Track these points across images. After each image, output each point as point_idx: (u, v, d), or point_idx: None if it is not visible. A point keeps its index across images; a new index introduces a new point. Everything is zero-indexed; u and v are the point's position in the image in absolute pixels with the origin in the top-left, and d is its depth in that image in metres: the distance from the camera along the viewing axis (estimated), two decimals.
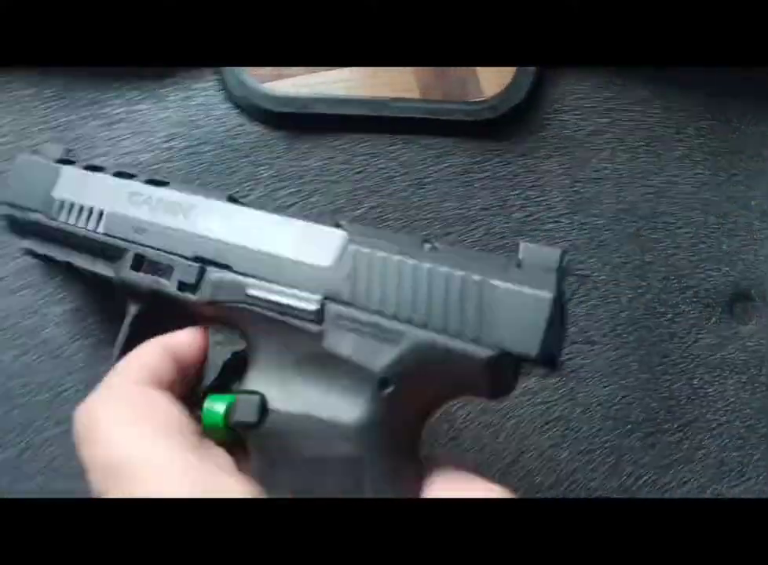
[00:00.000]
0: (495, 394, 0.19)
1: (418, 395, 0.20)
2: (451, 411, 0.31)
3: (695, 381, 0.32)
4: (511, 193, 0.32)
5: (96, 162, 0.31)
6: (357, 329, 0.20)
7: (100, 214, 0.25)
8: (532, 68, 0.32)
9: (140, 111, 0.33)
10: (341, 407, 0.20)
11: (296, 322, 0.20)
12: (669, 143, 0.33)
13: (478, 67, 0.37)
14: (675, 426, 0.31)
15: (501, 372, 0.19)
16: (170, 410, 0.20)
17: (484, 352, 0.19)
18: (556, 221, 0.32)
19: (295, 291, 0.21)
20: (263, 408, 0.20)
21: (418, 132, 0.32)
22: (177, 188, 0.24)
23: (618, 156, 0.33)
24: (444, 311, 0.19)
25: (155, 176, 0.25)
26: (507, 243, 0.32)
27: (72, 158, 0.28)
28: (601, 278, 0.32)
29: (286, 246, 0.21)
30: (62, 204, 0.26)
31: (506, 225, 0.32)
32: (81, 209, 0.26)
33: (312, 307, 0.20)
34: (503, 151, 0.32)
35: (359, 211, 0.32)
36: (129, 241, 0.24)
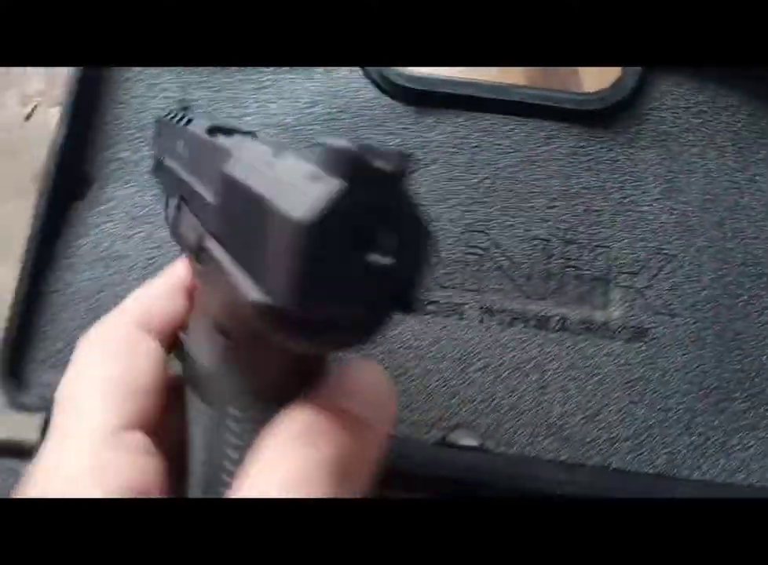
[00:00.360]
0: (312, 345, 0.14)
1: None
2: (544, 363, 0.35)
3: (764, 358, 0.35)
4: (611, 176, 0.36)
5: (246, 121, 0.36)
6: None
7: None
8: (637, 68, 0.36)
9: (288, 79, 0.37)
10: None
11: None
12: (753, 146, 0.37)
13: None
14: (744, 396, 0.35)
15: (291, 322, 0.13)
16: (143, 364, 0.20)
17: (251, 296, 0.14)
18: (649, 205, 0.36)
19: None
20: None
21: (532, 115, 0.36)
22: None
23: (707, 153, 0.37)
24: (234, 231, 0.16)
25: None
26: (605, 220, 0.36)
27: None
28: (686, 258, 0.36)
29: None
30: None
31: (603, 204, 0.36)
32: None
33: None
34: (606, 138, 0.36)
35: (472, 181, 0.36)
36: None
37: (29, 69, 1.06)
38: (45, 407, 0.34)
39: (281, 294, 0.13)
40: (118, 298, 0.34)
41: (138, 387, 0.19)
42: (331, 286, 0.13)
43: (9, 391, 0.34)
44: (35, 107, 1.10)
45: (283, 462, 0.15)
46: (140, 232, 0.36)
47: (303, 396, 0.16)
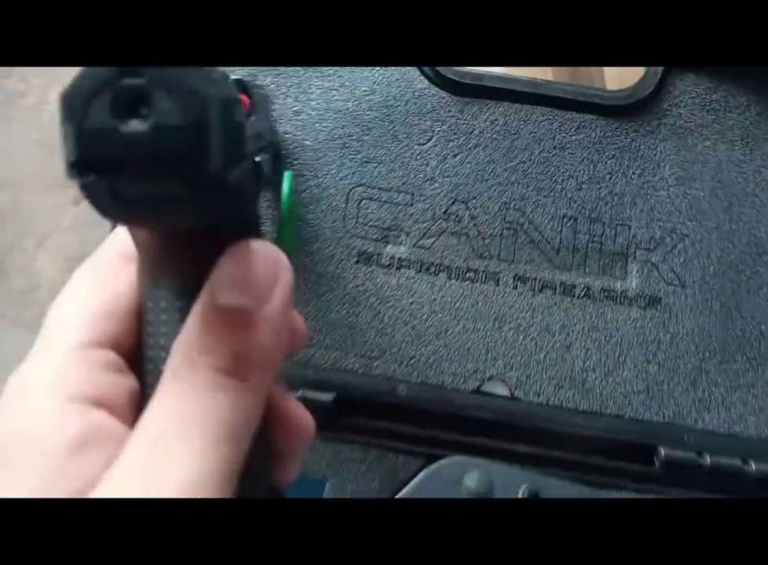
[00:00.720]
0: (130, 219, 0.16)
1: None
2: (569, 325, 0.39)
3: (762, 327, 0.40)
4: (633, 163, 0.41)
5: (310, 105, 0.41)
6: None
7: None
8: (659, 70, 0.41)
9: (348, 69, 0.42)
10: None
11: None
12: (759, 141, 0.42)
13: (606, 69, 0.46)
14: (744, 358, 0.39)
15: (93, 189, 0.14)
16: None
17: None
18: (665, 190, 0.41)
19: None
20: None
21: (565, 107, 0.41)
22: None
23: (718, 146, 0.42)
24: None
25: None
26: (626, 202, 0.41)
27: None
28: (696, 238, 0.40)
29: None
30: None
31: (626, 188, 0.41)
32: None
33: None
34: (630, 130, 0.41)
35: (510, 164, 0.41)
36: None
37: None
38: None
39: (66, 165, 0.14)
40: None
41: (115, 309, 0.19)
42: (103, 156, 0.13)
43: None
44: None
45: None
46: None
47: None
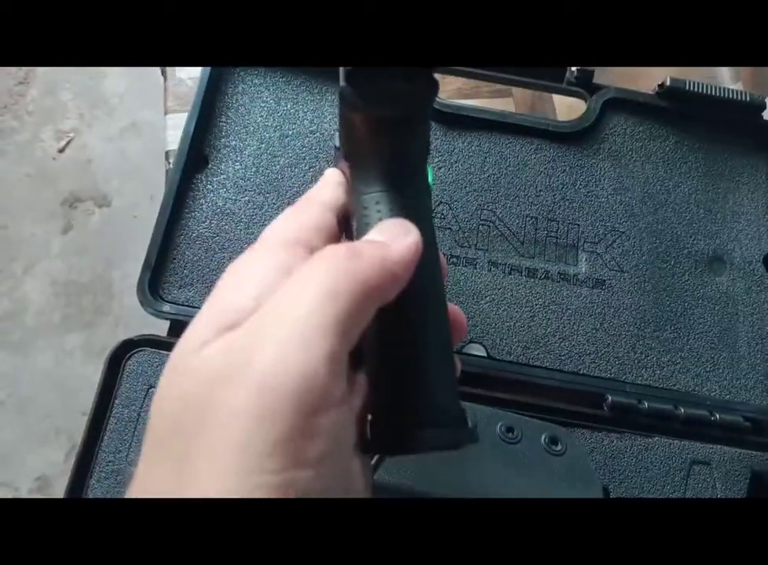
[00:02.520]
0: (372, 108, 0.24)
1: None
2: (532, 300, 0.49)
3: (685, 304, 0.50)
4: (579, 177, 0.52)
5: (323, 126, 0.51)
6: None
7: None
8: (598, 105, 0.53)
9: None
10: None
11: None
12: (677, 163, 0.53)
13: (555, 100, 0.58)
14: (672, 328, 0.49)
15: None
16: None
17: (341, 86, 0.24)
18: (605, 198, 0.51)
19: None
20: None
21: (526, 134, 0.52)
22: None
23: (646, 166, 0.53)
24: None
25: None
26: (575, 206, 0.51)
27: None
28: (631, 234, 0.51)
29: None
30: None
31: (574, 195, 0.51)
32: None
33: None
34: (576, 151, 0.52)
35: (484, 176, 0.51)
36: None
37: (67, 107, 1.19)
38: (172, 314, 0.46)
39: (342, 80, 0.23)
40: (227, 242, 0.47)
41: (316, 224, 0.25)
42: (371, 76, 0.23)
43: (149, 303, 0.46)
44: (69, 141, 1.24)
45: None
46: (244, 197, 0.49)
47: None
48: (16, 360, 1.03)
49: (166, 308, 0.46)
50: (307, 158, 0.50)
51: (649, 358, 0.49)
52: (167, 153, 0.56)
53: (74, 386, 0.97)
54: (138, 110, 1.24)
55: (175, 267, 0.48)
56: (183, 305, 0.47)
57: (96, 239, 1.12)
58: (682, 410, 0.46)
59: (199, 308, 0.46)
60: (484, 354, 0.47)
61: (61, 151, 1.22)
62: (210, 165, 0.50)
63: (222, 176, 0.50)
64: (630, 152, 0.53)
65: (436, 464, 0.41)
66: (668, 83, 0.52)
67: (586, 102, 0.53)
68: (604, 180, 0.52)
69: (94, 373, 0.43)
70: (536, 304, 0.49)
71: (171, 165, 0.50)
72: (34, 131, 1.21)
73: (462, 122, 0.52)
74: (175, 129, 0.56)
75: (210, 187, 0.50)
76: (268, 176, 0.50)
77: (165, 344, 0.45)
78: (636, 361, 0.48)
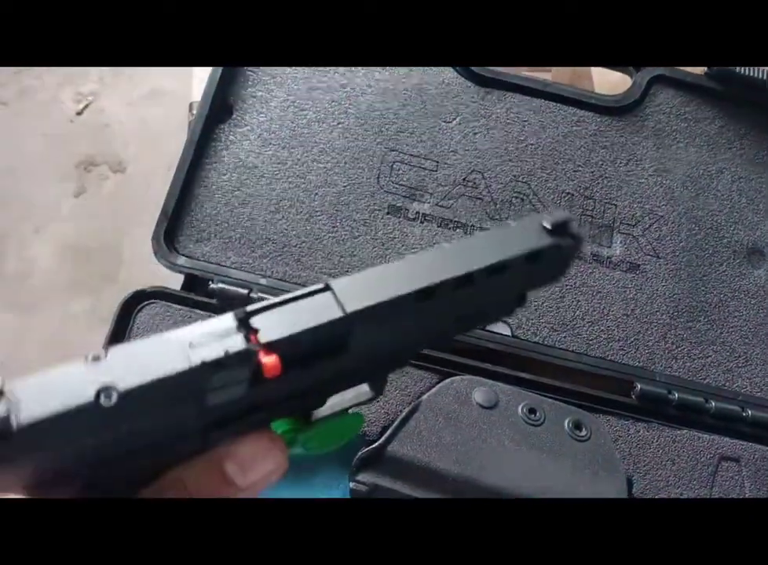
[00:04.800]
0: None
1: None
2: (563, 280, 0.46)
3: (721, 295, 0.47)
4: (620, 155, 0.49)
5: (356, 81, 0.48)
6: None
7: None
8: (645, 80, 0.50)
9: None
10: None
11: None
12: (722, 148, 0.51)
13: (595, 79, 0.55)
14: (705, 320, 0.47)
15: None
16: None
17: None
18: (645, 179, 0.49)
19: None
20: None
21: (568, 103, 0.49)
22: None
23: (689, 148, 0.50)
24: None
25: None
26: (613, 185, 0.49)
27: None
28: (670, 219, 0.48)
29: None
30: None
31: (614, 174, 0.49)
32: None
33: None
34: (619, 127, 0.50)
35: (521, 145, 0.49)
36: None
37: (88, 70, 1.18)
38: (186, 268, 0.44)
39: None
40: (248, 197, 0.45)
41: None
42: None
43: (164, 254, 0.44)
44: (87, 104, 1.22)
45: None
46: (268, 150, 0.47)
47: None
48: (20, 321, 1.01)
49: (181, 260, 0.44)
50: (336, 112, 0.48)
51: (680, 348, 0.46)
52: (191, 105, 0.54)
53: (77, 350, 0.95)
54: (160, 77, 1.22)
55: (192, 219, 0.45)
56: (199, 260, 0.45)
57: (109, 205, 1.10)
58: (713, 404, 0.44)
59: (216, 264, 0.43)
60: (509, 332, 0.45)
61: (79, 113, 1.20)
62: (234, 116, 0.48)
63: (246, 128, 0.48)
64: (674, 132, 0.50)
65: (454, 439, 0.39)
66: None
67: (631, 77, 0.51)
68: (645, 159, 0.49)
69: (98, 338, 0.41)
70: (566, 285, 0.46)
71: (194, 114, 0.48)
72: (53, 92, 1.19)
73: (502, 86, 0.49)
74: (202, 83, 0.54)
75: (233, 138, 0.47)
76: (294, 130, 0.47)
77: (177, 298, 0.43)
78: (666, 351, 0.46)
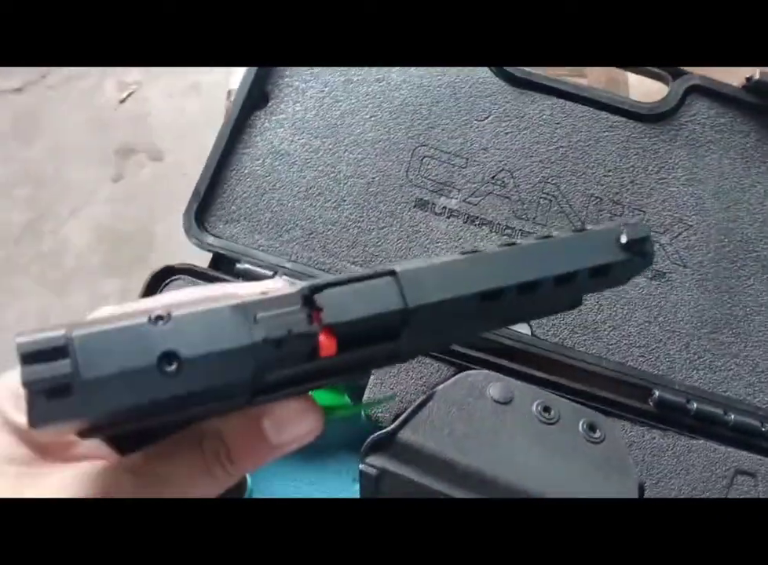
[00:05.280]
0: None
1: None
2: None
3: (748, 309, 0.47)
4: (652, 162, 0.49)
5: (391, 76, 0.49)
6: None
7: None
8: (681, 89, 0.50)
9: None
10: None
11: None
12: (756, 161, 0.50)
13: (631, 87, 0.55)
14: (730, 332, 0.46)
15: None
16: None
17: None
18: (677, 187, 0.49)
19: None
20: None
21: (601, 108, 0.49)
22: None
23: (723, 160, 0.50)
24: None
25: None
26: (643, 192, 0.48)
27: None
28: (699, 229, 0.48)
29: None
30: None
31: (644, 180, 0.49)
32: None
33: None
34: (652, 135, 0.49)
35: (552, 147, 0.49)
36: None
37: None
38: (214, 247, 0.45)
39: None
40: (278, 182, 0.46)
41: None
42: None
43: (194, 232, 0.45)
44: (131, 93, 1.25)
45: None
46: (301, 139, 0.48)
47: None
48: (51, 298, 1.04)
49: (210, 239, 0.45)
50: (369, 106, 0.48)
51: (702, 359, 0.46)
52: (229, 92, 0.55)
53: None
54: (200, 71, 1.24)
55: (223, 201, 0.46)
56: (227, 240, 0.46)
57: (145, 192, 1.12)
58: (732, 417, 0.43)
59: (243, 245, 0.44)
60: (529, 332, 0.45)
61: (122, 101, 1.23)
62: (270, 104, 0.49)
63: (281, 116, 0.49)
64: (708, 143, 0.50)
65: (466, 431, 0.39)
66: (757, 77, 0.49)
67: (668, 85, 0.50)
68: (677, 168, 0.49)
69: None
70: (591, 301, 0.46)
71: (232, 100, 0.49)
72: (98, 80, 1.22)
73: (536, 87, 0.50)
74: (240, 72, 0.55)
75: (267, 125, 0.48)
76: (327, 121, 0.48)
77: (204, 276, 0.44)
78: (688, 361, 0.45)
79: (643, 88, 0.55)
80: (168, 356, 0.17)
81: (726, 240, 0.48)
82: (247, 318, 0.18)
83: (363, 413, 0.41)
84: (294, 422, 0.21)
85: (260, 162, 0.47)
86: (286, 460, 0.48)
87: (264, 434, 0.20)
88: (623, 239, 0.22)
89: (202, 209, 0.45)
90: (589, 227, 0.22)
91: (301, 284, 0.19)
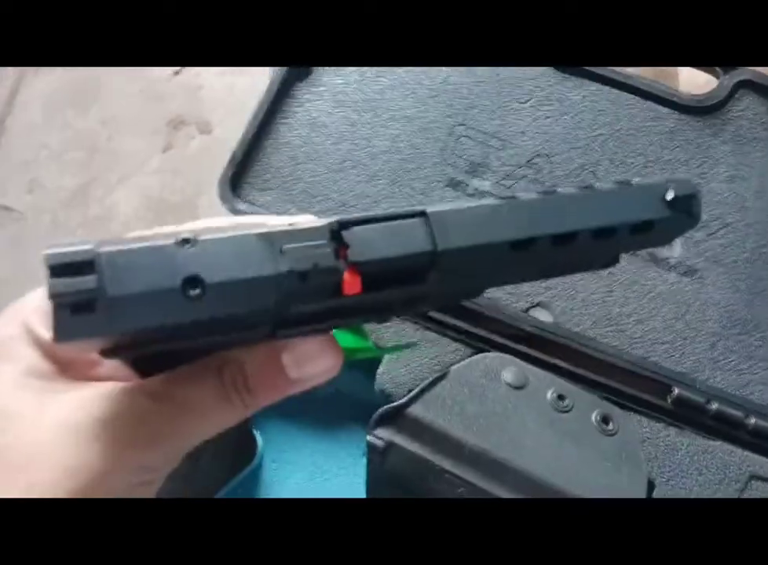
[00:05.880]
0: None
1: None
2: (615, 273, 0.45)
3: None
4: (695, 156, 0.48)
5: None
6: None
7: None
8: (731, 84, 0.48)
9: None
10: None
11: None
12: None
13: (682, 80, 0.54)
14: (759, 335, 0.45)
15: None
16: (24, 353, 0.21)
17: None
18: (718, 183, 0.47)
19: None
20: None
21: (648, 98, 0.48)
22: None
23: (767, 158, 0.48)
24: None
25: None
26: None
27: None
28: (737, 227, 0.47)
29: None
30: None
31: (685, 173, 0.47)
32: None
33: None
34: (697, 128, 0.48)
35: (592, 134, 0.48)
36: None
37: None
38: (247, 214, 0.46)
39: None
40: (314, 153, 0.46)
41: None
42: None
43: (228, 198, 0.46)
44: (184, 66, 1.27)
45: None
46: (339, 112, 0.48)
47: None
48: None
49: (242, 206, 0.46)
50: (410, 82, 0.48)
51: (727, 360, 0.44)
52: None
53: None
54: None
55: (259, 169, 0.47)
56: (260, 207, 0.46)
57: (192, 163, 1.15)
58: (753, 420, 0.42)
59: (276, 214, 0.45)
60: (551, 319, 0.45)
61: (177, 73, 1.26)
62: (312, 76, 0.49)
63: (322, 88, 0.49)
64: (754, 140, 0.48)
65: (477, 412, 0.39)
66: None
67: (718, 78, 0.49)
68: (720, 164, 0.48)
69: None
70: (616, 280, 0.46)
71: (275, 71, 0.49)
72: None
73: (581, 73, 0.49)
74: None
75: (308, 96, 0.49)
76: (367, 95, 0.48)
77: None
78: (713, 361, 0.44)
79: (693, 79, 0.54)
80: (192, 280, 0.17)
81: (764, 241, 0.47)
82: (273, 247, 0.18)
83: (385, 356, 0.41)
84: (313, 359, 0.21)
85: (297, 132, 0.48)
86: (298, 429, 0.49)
87: (283, 368, 0.21)
88: (669, 196, 0.20)
89: (238, 176, 0.46)
90: (635, 180, 0.21)
91: (329, 219, 0.19)
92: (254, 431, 0.45)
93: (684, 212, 0.21)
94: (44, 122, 1.10)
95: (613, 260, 0.23)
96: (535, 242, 0.20)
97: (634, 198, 0.21)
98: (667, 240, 0.23)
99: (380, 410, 0.38)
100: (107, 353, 0.19)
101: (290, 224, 0.18)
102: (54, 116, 1.16)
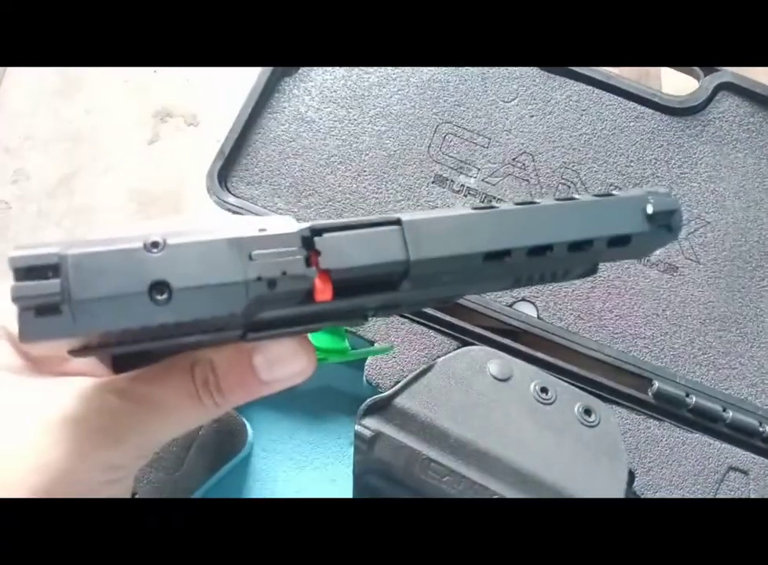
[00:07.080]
0: None
1: None
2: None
3: (758, 310, 0.47)
4: (675, 156, 0.49)
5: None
6: None
7: None
8: (712, 85, 0.49)
9: None
10: None
11: None
12: None
13: (664, 81, 0.55)
14: (737, 332, 0.46)
15: None
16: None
17: None
18: (698, 183, 0.48)
19: None
20: None
21: (630, 99, 0.49)
22: None
23: (747, 159, 0.49)
24: None
25: None
26: (663, 185, 0.48)
27: None
28: (717, 226, 0.48)
29: None
30: None
31: (666, 174, 0.48)
32: None
33: None
34: (678, 129, 0.49)
35: (576, 133, 0.49)
36: None
37: None
38: (235, 207, 0.46)
39: None
40: (302, 149, 0.47)
41: None
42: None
43: (216, 191, 0.46)
44: None
45: None
46: (327, 107, 0.49)
47: None
48: None
49: (231, 199, 0.46)
50: (397, 79, 0.49)
51: (706, 355, 0.46)
52: None
53: None
54: None
55: (247, 163, 0.48)
56: (247, 200, 0.47)
57: (178, 155, 1.15)
58: (731, 414, 0.43)
59: (263, 207, 0.45)
60: (535, 314, 0.46)
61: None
62: (300, 71, 0.50)
63: (310, 84, 0.49)
64: (734, 141, 0.50)
65: (462, 403, 0.40)
66: None
67: (698, 81, 0.50)
68: (700, 164, 0.49)
69: None
70: (599, 277, 0.47)
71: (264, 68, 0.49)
72: None
73: (565, 73, 0.50)
74: None
75: (296, 91, 0.49)
76: (354, 91, 0.49)
77: None
78: (692, 356, 0.46)
79: (676, 81, 0.55)
80: (159, 285, 0.17)
81: (743, 239, 0.48)
82: (243, 253, 0.17)
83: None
84: (285, 361, 0.21)
85: (285, 127, 0.48)
86: (288, 420, 0.50)
87: (254, 369, 0.21)
88: (650, 210, 0.20)
89: (226, 169, 0.47)
90: (615, 192, 0.21)
91: (302, 225, 0.18)
92: (244, 421, 0.46)
93: (663, 226, 0.21)
94: (29, 112, 1.09)
95: (591, 271, 0.23)
96: (510, 253, 0.19)
97: (613, 210, 0.20)
98: (645, 253, 0.23)
99: (368, 401, 0.39)
100: (76, 353, 0.19)
101: (261, 230, 0.18)
102: (39, 106, 1.15)
